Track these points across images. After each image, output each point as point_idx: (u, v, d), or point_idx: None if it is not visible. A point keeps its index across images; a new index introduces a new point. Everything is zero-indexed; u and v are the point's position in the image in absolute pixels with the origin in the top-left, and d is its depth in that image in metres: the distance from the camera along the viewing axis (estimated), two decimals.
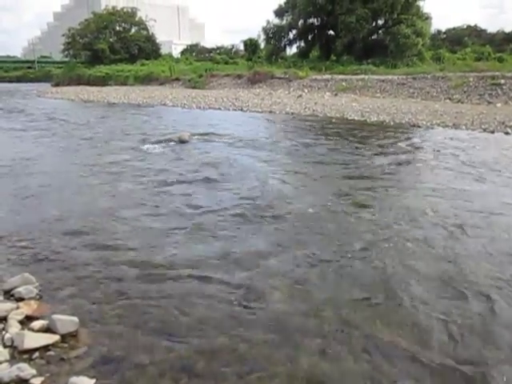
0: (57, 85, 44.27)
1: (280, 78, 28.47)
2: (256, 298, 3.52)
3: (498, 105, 17.54)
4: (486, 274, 3.88)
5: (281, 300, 3.49)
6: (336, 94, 23.28)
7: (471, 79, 20.41)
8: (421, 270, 3.96)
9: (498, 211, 5.60)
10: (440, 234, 4.82)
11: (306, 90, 25.38)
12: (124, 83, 38.23)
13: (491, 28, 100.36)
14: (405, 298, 3.50)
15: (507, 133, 12.01)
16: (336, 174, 7.64)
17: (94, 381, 2.51)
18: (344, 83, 24.65)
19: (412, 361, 2.76)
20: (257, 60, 38.53)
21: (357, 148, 10.16)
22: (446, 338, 2.99)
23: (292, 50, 40.95)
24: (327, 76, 26.78)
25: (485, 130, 12.51)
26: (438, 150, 9.63)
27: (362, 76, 25.14)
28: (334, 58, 34.50)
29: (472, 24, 51.55)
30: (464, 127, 13.11)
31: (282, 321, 3.20)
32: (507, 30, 46.11)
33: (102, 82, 39.50)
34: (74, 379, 2.50)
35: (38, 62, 77.72)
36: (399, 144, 10.66)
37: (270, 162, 8.66)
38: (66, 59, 55.20)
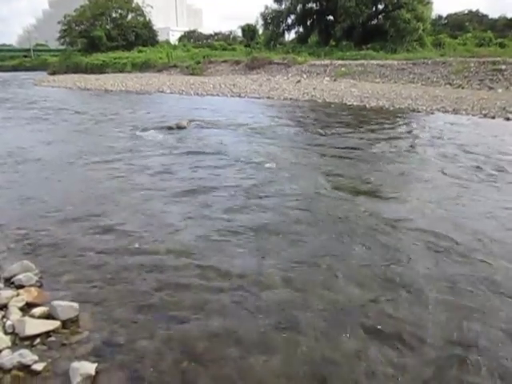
0: (53, 73, 43.76)
1: (278, 64, 28.25)
2: (255, 281, 3.52)
3: (499, 90, 17.44)
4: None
5: (280, 283, 3.49)
6: (335, 80, 23.12)
7: (472, 65, 20.26)
8: (418, 255, 3.97)
9: (497, 198, 5.60)
10: (434, 221, 4.81)
11: (305, 76, 25.19)
12: (121, 70, 37.89)
13: (493, 13, 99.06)
14: (404, 288, 3.50)
15: (508, 118, 11.93)
16: (334, 160, 7.60)
17: (95, 365, 2.52)
18: (343, 68, 24.47)
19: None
20: (255, 46, 38.23)
21: (355, 133, 10.11)
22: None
23: (290, 36, 40.66)
24: (326, 61, 26.56)
25: (485, 116, 12.43)
26: (438, 136, 9.58)
27: (362, 61, 24.94)
28: (333, 43, 34.18)
29: (473, 9, 51.13)
30: (464, 112, 13.04)
31: (281, 303, 3.20)
32: (509, 16, 45.78)
33: (100, 69, 39.13)
34: (75, 364, 2.50)
35: (33, 51, 76.82)
36: (398, 129, 10.62)
37: (267, 147, 8.62)
38: (63, 47, 54.50)
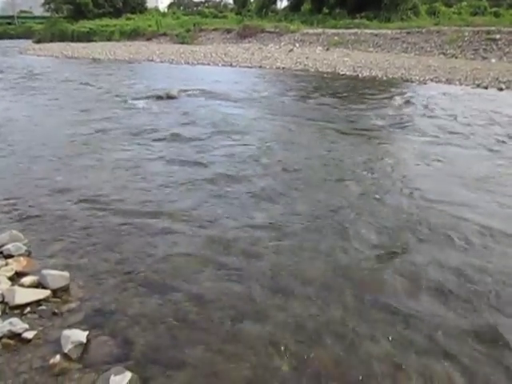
0: (39, 41, 42.39)
1: (270, 33, 27.64)
2: (247, 248, 3.52)
3: (493, 60, 17.28)
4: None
5: (272, 250, 3.50)
6: (328, 49, 22.73)
7: (466, 34, 19.98)
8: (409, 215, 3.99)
9: (488, 166, 5.61)
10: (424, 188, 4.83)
11: (297, 45, 24.73)
12: (109, 39, 36.82)
13: None
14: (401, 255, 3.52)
15: (500, 88, 11.89)
16: (325, 129, 7.53)
17: (86, 333, 2.52)
18: (336, 37, 24.03)
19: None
20: (246, 14, 37.19)
21: (347, 103, 10.01)
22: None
23: (283, 4, 39.54)
24: (319, 30, 26.03)
25: (478, 86, 12.36)
26: (430, 106, 9.53)
27: (355, 30, 24.47)
28: (326, 11, 33.31)
29: None
30: (457, 83, 12.95)
31: (273, 270, 3.21)
32: None
33: (87, 37, 37.96)
34: (66, 332, 2.50)
35: (17, 18, 74.16)
36: (391, 100, 10.52)
37: (258, 117, 8.52)
38: (48, 14, 52.70)
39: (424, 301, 2.90)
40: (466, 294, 2.96)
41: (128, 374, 2.25)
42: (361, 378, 2.29)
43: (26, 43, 41.00)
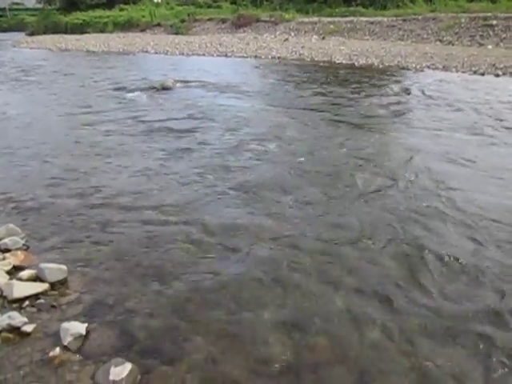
0: (32, 34, 41.91)
1: (266, 22, 27.37)
2: (245, 238, 3.52)
3: (489, 46, 17.17)
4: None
5: (269, 240, 3.49)
6: (323, 38, 22.55)
7: (463, 20, 19.81)
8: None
9: (485, 153, 5.61)
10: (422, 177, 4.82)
11: (293, 34, 24.51)
12: (103, 30, 36.41)
13: None
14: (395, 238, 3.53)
15: (497, 75, 11.82)
16: (321, 119, 7.51)
17: (85, 325, 2.52)
18: (332, 26, 23.82)
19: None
20: (241, 3, 36.73)
21: (344, 92, 9.95)
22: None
23: None
24: (314, 19, 25.79)
25: (475, 73, 12.30)
26: (427, 94, 9.49)
27: (351, 18, 24.26)
28: None
29: None
30: (454, 69, 12.88)
31: (270, 261, 3.21)
32: None
33: (80, 29, 37.56)
34: (65, 324, 2.50)
35: (9, 10, 73.24)
36: (387, 87, 10.47)
37: (254, 107, 8.49)
38: (40, 6, 52.08)
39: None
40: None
41: (128, 365, 2.25)
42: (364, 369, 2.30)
43: (19, 36, 40.54)
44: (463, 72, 12.48)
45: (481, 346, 2.39)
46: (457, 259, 3.18)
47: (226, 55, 18.89)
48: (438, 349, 2.38)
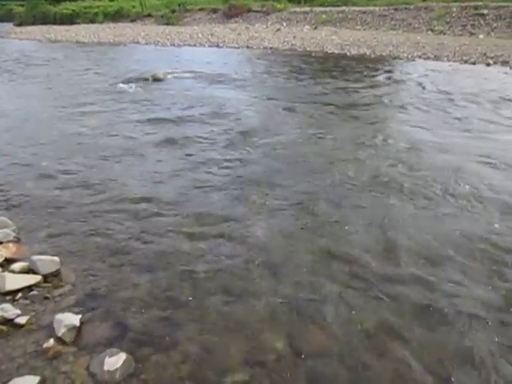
0: (20, 24, 41.26)
1: (257, 12, 27.19)
2: (237, 228, 3.53)
3: (481, 36, 17.21)
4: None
5: (264, 230, 3.50)
6: (315, 28, 22.46)
7: (454, 9, 19.82)
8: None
9: (475, 142, 5.65)
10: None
11: (285, 24, 24.39)
12: (93, 21, 35.90)
13: None
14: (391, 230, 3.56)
15: (488, 64, 11.88)
16: (313, 109, 7.50)
17: (79, 316, 2.53)
18: (324, 16, 23.72)
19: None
20: None
21: (335, 82, 9.95)
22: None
23: None
24: (306, 8, 25.68)
25: (466, 62, 12.35)
26: (418, 83, 9.53)
27: (343, 8, 24.16)
28: None
29: None
30: (445, 59, 12.92)
31: (263, 251, 3.22)
32: None
33: (70, 20, 37.02)
34: (59, 316, 2.50)
35: None
36: (378, 77, 10.51)
37: (246, 97, 8.46)
38: None
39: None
40: None
41: (122, 356, 2.26)
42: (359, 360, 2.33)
43: (8, 26, 39.86)
44: (454, 61, 12.53)
45: None
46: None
47: (217, 46, 18.76)
48: None
